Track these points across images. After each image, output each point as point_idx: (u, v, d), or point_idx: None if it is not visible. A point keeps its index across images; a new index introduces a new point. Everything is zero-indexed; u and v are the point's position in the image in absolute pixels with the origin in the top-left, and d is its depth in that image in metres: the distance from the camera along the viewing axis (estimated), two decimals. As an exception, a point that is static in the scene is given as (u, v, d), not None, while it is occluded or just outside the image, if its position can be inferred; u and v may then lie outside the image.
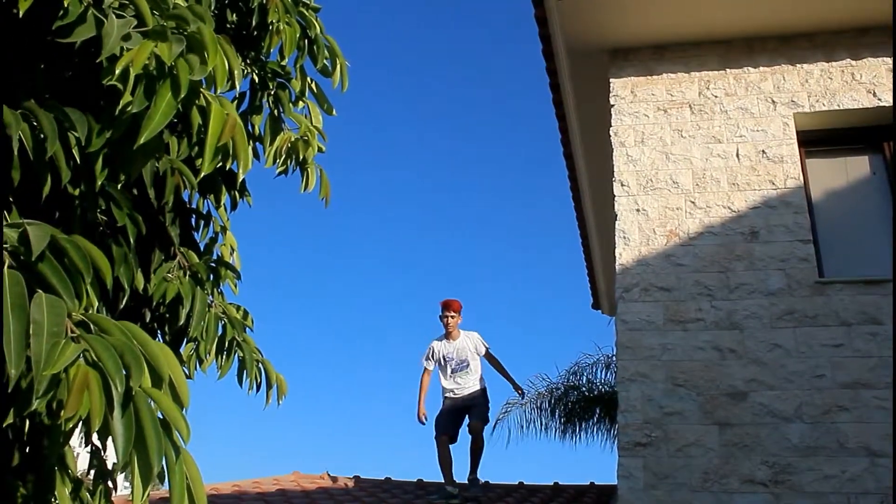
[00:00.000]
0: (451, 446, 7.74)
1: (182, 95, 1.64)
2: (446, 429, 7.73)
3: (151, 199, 2.62)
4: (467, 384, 7.80)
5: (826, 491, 5.12)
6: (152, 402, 1.40)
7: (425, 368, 8.03)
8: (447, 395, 7.86)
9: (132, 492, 1.36)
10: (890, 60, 6.27)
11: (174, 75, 1.64)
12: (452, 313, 7.94)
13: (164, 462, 1.35)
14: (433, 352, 7.99)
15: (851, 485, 5.10)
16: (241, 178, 1.95)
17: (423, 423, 7.90)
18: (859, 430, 5.23)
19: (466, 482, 7.65)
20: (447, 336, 7.95)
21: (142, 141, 1.61)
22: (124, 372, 1.38)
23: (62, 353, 1.35)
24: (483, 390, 7.87)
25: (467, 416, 7.77)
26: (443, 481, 7.67)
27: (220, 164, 1.83)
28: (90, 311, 1.55)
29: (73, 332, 1.43)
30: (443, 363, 7.93)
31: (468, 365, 7.83)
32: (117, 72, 1.62)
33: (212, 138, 1.73)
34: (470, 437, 7.70)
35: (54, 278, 1.48)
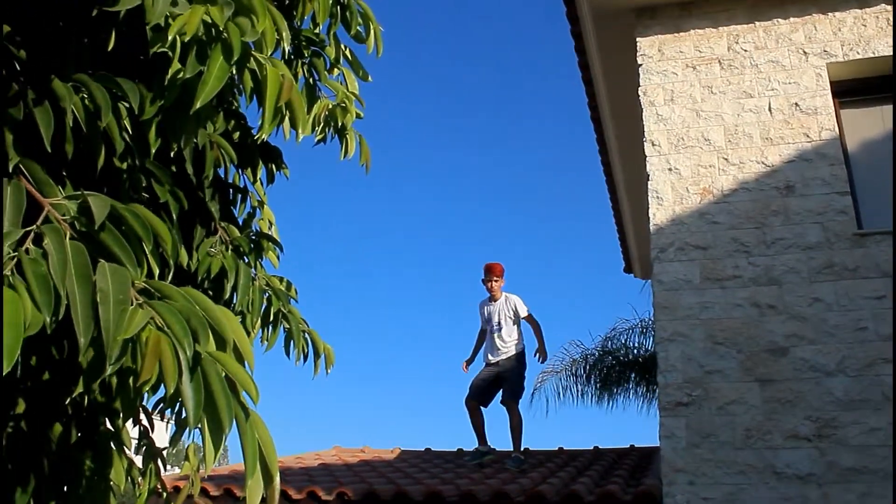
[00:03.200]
0: (484, 409, 8.00)
1: (235, 59, 1.63)
2: (475, 395, 7.97)
3: (190, 174, 2.62)
4: (502, 347, 7.95)
5: (872, 444, 5.08)
6: (219, 365, 1.40)
7: (481, 328, 8.34)
8: (487, 356, 8.09)
9: (204, 454, 1.37)
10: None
11: (225, 39, 1.64)
12: (495, 277, 8.12)
13: (234, 423, 1.36)
14: (482, 312, 8.27)
15: (898, 436, 5.05)
16: (300, 139, 1.94)
17: (465, 372, 8.32)
18: (904, 382, 5.17)
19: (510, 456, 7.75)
20: (491, 297, 8.14)
21: (198, 105, 1.61)
22: (191, 336, 1.39)
23: (131, 319, 1.36)
24: (517, 356, 7.95)
25: (501, 389, 7.94)
26: (477, 444, 8.01)
27: (279, 125, 1.83)
28: (152, 279, 1.56)
29: (137, 299, 1.44)
30: (486, 324, 8.19)
31: (502, 328, 7.98)
32: (170, 38, 1.62)
33: (270, 99, 1.73)
34: (506, 412, 7.87)
35: (116, 247, 1.49)
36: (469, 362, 8.41)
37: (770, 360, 5.44)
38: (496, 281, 8.11)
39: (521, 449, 7.86)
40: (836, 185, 5.78)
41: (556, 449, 8.84)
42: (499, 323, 8.03)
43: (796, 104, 6.10)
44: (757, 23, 6.45)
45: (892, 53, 5.96)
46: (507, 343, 7.96)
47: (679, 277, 5.81)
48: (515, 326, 8.05)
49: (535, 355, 8.08)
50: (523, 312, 8.03)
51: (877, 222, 5.76)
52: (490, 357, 8.05)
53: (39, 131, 1.69)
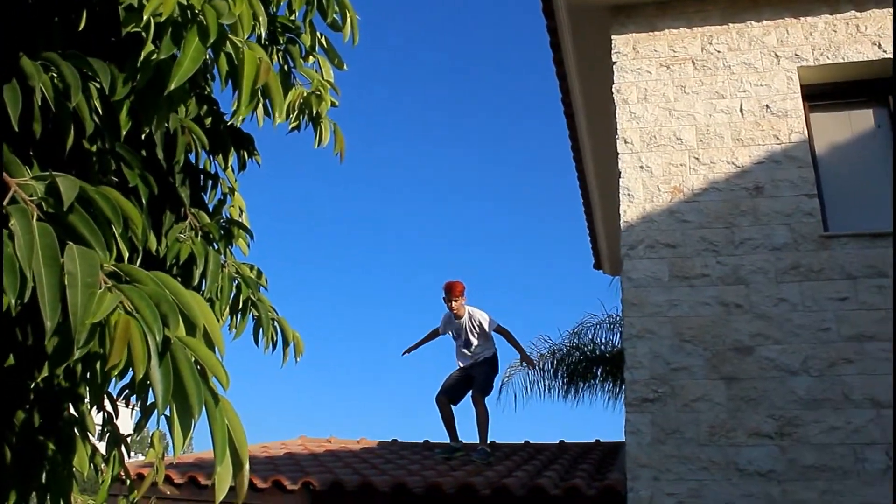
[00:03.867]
0: (454, 407, 8.17)
1: (211, 41, 1.61)
2: (446, 392, 8.14)
3: (161, 159, 2.59)
4: (473, 356, 8.14)
5: (832, 442, 5.17)
6: (188, 351, 1.39)
7: (437, 328, 8.49)
8: (458, 363, 8.28)
9: (172, 440, 1.36)
10: None
11: (201, 21, 1.61)
12: (455, 296, 8.20)
13: (203, 409, 1.35)
14: (446, 324, 8.39)
15: (857, 436, 5.15)
16: (277, 123, 1.92)
17: (402, 355, 8.54)
18: (865, 382, 5.26)
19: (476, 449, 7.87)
20: (455, 315, 8.24)
21: (172, 87, 1.59)
22: (161, 321, 1.37)
23: (100, 303, 1.34)
24: (489, 360, 8.14)
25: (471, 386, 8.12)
26: (448, 440, 8.14)
27: (253, 110, 1.80)
28: (121, 263, 1.53)
29: (106, 282, 1.41)
30: (453, 338, 8.34)
31: (471, 343, 8.15)
32: (145, 18, 1.59)
33: (247, 81, 1.70)
34: (473, 407, 8.01)
35: (85, 229, 1.46)
36: (410, 350, 8.59)
37: (735, 359, 5.50)
38: (456, 300, 8.19)
39: (488, 442, 7.93)
40: (804, 188, 5.85)
41: (522, 442, 8.88)
42: (466, 339, 8.20)
43: (767, 106, 6.17)
44: (730, 24, 6.51)
45: (892, 56, 6.03)
46: (478, 352, 8.16)
47: (648, 275, 5.85)
48: (483, 338, 8.20)
49: (521, 365, 8.32)
50: (489, 327, 8.16)
51: (843, 225, 5.85)
52: (461, 364, 8.26)
53: (6, 110, 1.65)
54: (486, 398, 8.06)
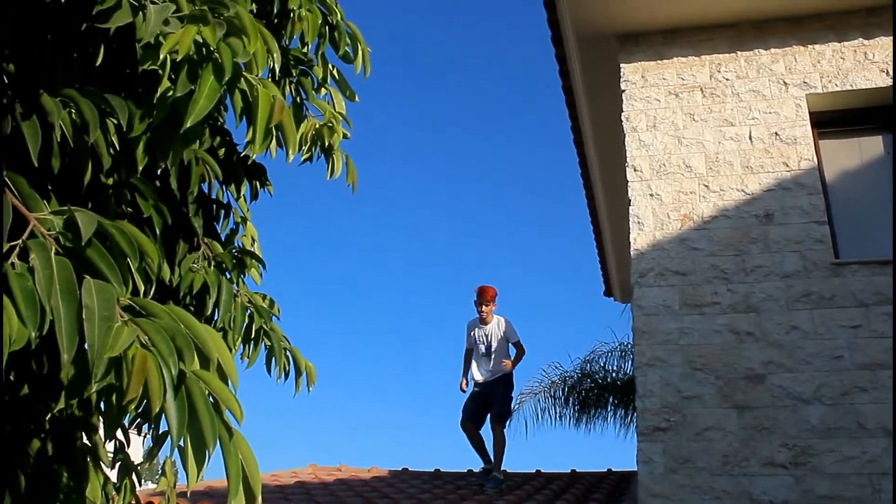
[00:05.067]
0: (478, 430, 7.98)
1: (226, 79, 1.64)
2: (470, 415, 7.95)
3: (174, 190, 2.62)
4: (493, 369, 7.94)
5: (847, 472, 5.12)
6: (203, 384, 1.40)
7: (466, 348, 8.29)
8: (475, 377, 8.04)
9: (187, 474, 1.37)
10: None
11: (216, 59, 1.64)
12: (487, 301, 8.05)
13: (217, 443, 1.36)
14: (470, 333, 8.20)
15: (872, 465, 5.10)
16: (291, 159, 1.95)
17: (464, 392, 8.20)
18: (878, 411, 5.22)
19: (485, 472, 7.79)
20: (482, 321, 8.09)
21: (188, 125, 1.61)
22: (176, 355, 1.38)
23: (117, 337, 1.36)
24: (505, 377, 7.94)
25: (489, 411, 7.95)
26: (483, 464, 8.01)
27: (268, 147, 1.83)
28: (137, 297, 1.55)
29: (122, 316, 1.43)
30: (475, 346, 8.12)
31: (493, 351, 7.96)
32: (161, 56, 1.62)
33: (261, 119, 1.73)
34: (491, 431, 7.85)
35: (102, 263, 1.48)
36: (465, 382, 8.32)
37: (747, 387, 5.48)
38: (488, 305, 8.05)
39: (501, 469, 7.84)
40: (815, 215, 5.85)
41: (534, 471, 8.83)
42: (489, 346, 8.03)
43: (776, 133, 6.19)
44: (738, 52, 6.55)
45: (892, 83, 6.05)
46: (498, 365, 7.95)
47: (659, 303, 5.85)
48: (504, 350, 8.03)
49: (500, 364, 8.07)
50: (513, 339, 8.03)
51: (853, 252, 5.84)
52: (478, 377, 8.04)
53: (26, 145, 1.68)
54: (506, 424, 7.98)
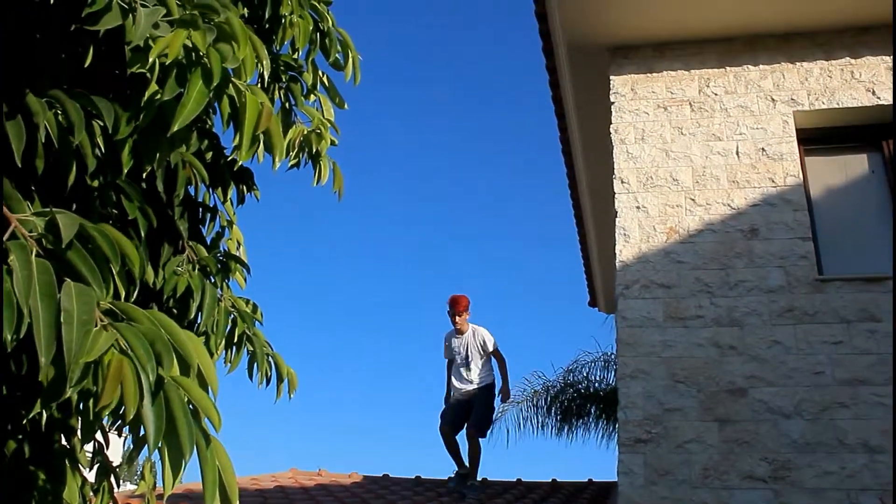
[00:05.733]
0: (455, 435, 7.90)
1: (214, 84, 1.64)
2: (448, 421, 7.85)
3: (161, 192, 2.61)
4: (472, 379, 7.84)
5: (825, 487, 5.15)
6: (182, 391, 1.39)
7: (446, 360, 8.23)
8: (453, 388, 7.96)
9: (163, 481, 1.36)
10: (889, 59, 6.30)
11: (205, 64, 1.64)
12: (460, 310, 7.94)
13: (195, 450, 1.35)
14: (447, 344, 8.12)
15: (851, 481, 5.13)
16: (277, 166, 1.94)
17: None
18: (858, 427, 5.26)
19: (466, 484, 7.74)
20: (457, 331, 8.00)
21: (175, 129, 1.61)
22: (155, 360, 1.38)
23: (95, 342, 1.35)
24: (486, 388, 7.86)
25: (468, 419, 7.85)
26: (456, 468, 7.94)
27: (255, 152, 1.83)
28: (118, 300, 1.54)
29: (101, 320, 1.42)
30: (453, 358, 8.04)
31: (470, 361, 7.85)
32: (150, 60, 1.61)
33: (248, 127, 1.73)
34: (467, 441, 7.77)
35: (83, 266, 1.48)
36: (449, 396, 8.22)
37: (729, 401, 5.50)
38: (461, 315, 7.95)
39: (479, 479, 7.85)
40: (799, 231, 5.89)
41: (515, 480, 8.82)
42: (466, 357, 7.91)
43: (763, 149, 6.23)
44: (728, 68, 6.60)
45: (892, 97, 6.10)
46: (476, 376, 7.86)
47: (643, 315, 5.87)
48: (484, 360, 7.94)
49: (497, 394, 7.98)
50: (490, 347, 7.93)
51: (837, 268, 5.89)
52: (458, 387, 7.94)
53: (10, 145, 1.67)
54: (484, 435, 7.89)
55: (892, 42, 6.27)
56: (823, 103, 6.30)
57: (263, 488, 7.86)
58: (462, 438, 7.93)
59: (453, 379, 8.00)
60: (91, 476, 2.91)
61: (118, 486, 3.14)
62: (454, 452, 7.90)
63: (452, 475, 8.02)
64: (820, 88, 6.35)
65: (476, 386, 7.85)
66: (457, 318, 7.95)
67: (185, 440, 1.34)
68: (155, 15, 1.68)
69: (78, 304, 1.38)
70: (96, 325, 1.40)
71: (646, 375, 5.68)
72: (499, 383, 8.04)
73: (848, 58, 6.39)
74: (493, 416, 8.10)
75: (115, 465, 3.05)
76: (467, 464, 7.90)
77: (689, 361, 5.66)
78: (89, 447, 2.94)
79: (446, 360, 8.25)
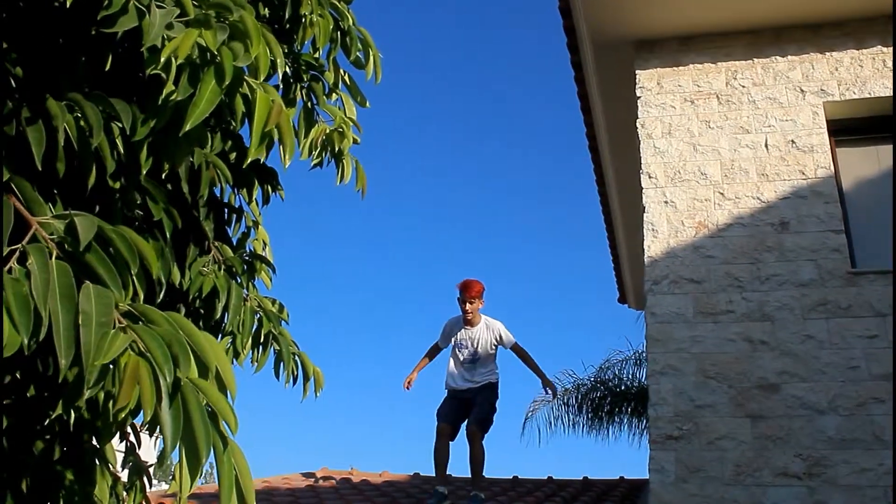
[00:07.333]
0: (451, 442, 6.76)
1: (227, 83, 1.64)
2: (447, 417, 6.75)
3: (185, 193, 2.62)
4: (477, 378, 6.82)
5: (862, 484, 5.06)
6: (199, 393, 1.39)
7: (437, 343, 7.17)
8: (452, 385, 6.91)
9: (179, 483, 1.36)
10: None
11: (218, 63, 1.64)
12: (472, 297, 6.80)
13: (211, 453, 1.35)
14: (448, 332, 7.04)
15: (888, 478, 5.03)
16: (287, 163, 1.94)
17: (407, 390, 7.13)
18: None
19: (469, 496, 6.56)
20: (466, 321, 6.89)
21: (187, 128, 1.61)
22: (172, 362, 1.38)
23: (112, 344, 1.36)
24: (489, 386, 6.84)
25: (468, 416, 6.76)
26: (437, 485, 6.67)
27: (268, 149, 1.83)
28: (136, 302, 1.55)
29: (120, 322, 1.43)
30: (456, 349, 6.95)
31: (479, 358, 6.84)
32: (162, 60, 1.62)
33: (258, 124, 1.73)
34: (467, 442, 6.69)
35: (101, 269, 1.48)
36: (411, 381, 7.18)
37: (761, 397, 5.42)
38: (473, 302, 6.79)
39: (479, 485, 6.70)
40: (831, 224, 5.79)
41: (546, 478, 8.78)
42: (475, 352, 6.84)
43: (793, 141, 6.14)
44: (755, 59, 6.50)
45: (892, 93, 6.00)
46: (483, 374, 6.84)
47: (672, 310, 5.81)
48: (493, 357, 6.90)
49: (544, 390, 6.99)
50: (510, 343, 6.89)
51: (870, 262, 5.78)
52: (458, 386, 6.87)
53: (31, 149, 1.69)
54: (485, 434, 6.74)
55: (892, 41, 6.13)
56: (854, 93, 6.19)
57: (295, 487, 7.91)
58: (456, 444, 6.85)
59: (452, 374, 6.92)
60: (124, 476, 2.95)
61: (150, 486, 3.17)
62: (442, 461, 6.68)
63: (431, 496, 6.62)
64: (851, 78, 6.24)
65: (478, 385, 6.80)
66: (468, 305, 6.79)
67: (202, 443, 1.33)
68: (169, 15, 1.68)
69: (96, 306, 1.39)
70: (114, 327, 1.40)
71: (676, 372, 5.62)
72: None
73: (880, 46, 6.27)
74: (495, 416, 6.89)
75: (147, 464, 3.08)
76: (470, 473, 6.76)
77: (720, 357, 5.59)
78: (122, 447, 2.98)
79: (435, 344, 7.19)
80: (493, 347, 6.86)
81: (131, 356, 1.36)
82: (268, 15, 2.81)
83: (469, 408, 6.75)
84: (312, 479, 8.60)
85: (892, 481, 5.00)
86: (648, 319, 5.89)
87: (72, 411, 2.21)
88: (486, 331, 6.87)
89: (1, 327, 1.36)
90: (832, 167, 6.02)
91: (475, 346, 6.84)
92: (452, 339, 6.98)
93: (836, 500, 5.04)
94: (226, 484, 1.36)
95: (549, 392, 7.10)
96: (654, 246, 6.05)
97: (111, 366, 1.37)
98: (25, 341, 1.35)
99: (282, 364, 3.00)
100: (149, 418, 1.33)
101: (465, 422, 6.72)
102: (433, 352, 7.22)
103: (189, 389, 1.38)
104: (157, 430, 2.43)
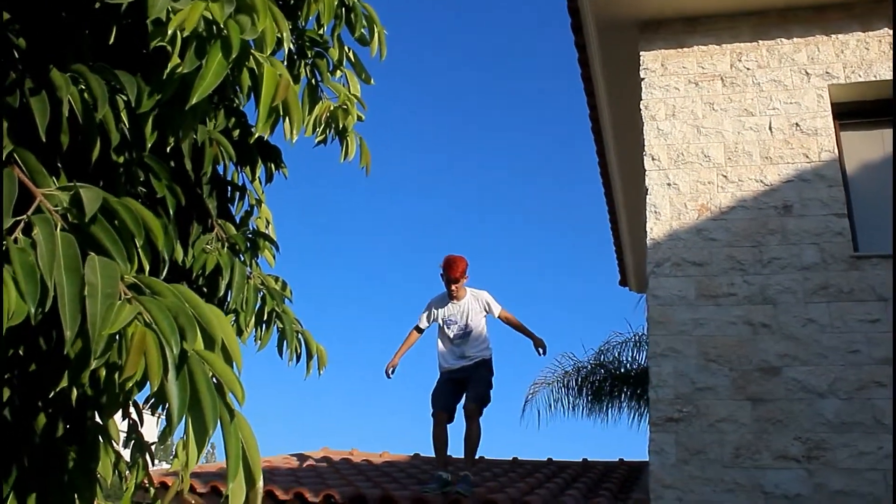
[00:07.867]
0: (448, 425, 6.74)
1: (233, 56, 1.62)
2: (443, 404, 6.71)
3: (189, 170, 2.61)
4: (470, 353, 6.75)
5: (861, 467, 5.07)
6: (206, 365, 1.39)
7: (417, 325, 7.09)
8: (445, 365, 6.82)
9: (186, 455, 1.36)
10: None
11: (224, 36, 1.63)
12: (456, 275, 6.74)
13: (218, 425, 1.35)
14: (432, 312, 6.99)
15: (887, 461, 5.04)
16: (294, 139, 1.93)
17: (389, 377, 7.01)
18: None
19: (458, 476, 6.52)
20: (451, 296, 6.84)
21: (194, 101, 1.60)
22: (178, 334, 1.37)
23: (118, 314, 1.35)
24: (484, 363, 6.77)
25: (465, 394, 6.73)
26: (438, 470, 6.65)
27: (273, 125, 1.82)
28: (142, 274, 1.54)
29: (125, 294, 1.42)
30: (444, 327, 6.87)
31: (471, 330, 6.76)
32: (169, 33, 1.60)
33: (265, 98, 1.72)
34: (465, 420, 6.67)
35: (107, 240, 1.48)
36: (393, 367, 7.03)
37: (762, 380, 5.43)
38: (458, 281, 6.74)
39: (473, 465, 6.71)
40: (834, 207, 5.78)
41: (546, 460, 8.82)
42: (466, 325, 6.76)
43: (797, 124, 6.11)
44: (760, 41, 6.46)
45: (892, 77, 5.97)
46: (476, 349, 6.76)
47: (674, 293, 5.80)
48: (484, 328, 6.84)
49: (536, 350, 6.94)
50: (498, 310, 6.88)
51: (873, 246, 5.76)
52: (451, 365, 6.77)
53: (35, 120, 1.67)
54: (482, 412, 6.70)
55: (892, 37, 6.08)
56: (860, 76, 6.15)
57: (295, 467, 7.94)
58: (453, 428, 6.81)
59: (444, 354, 6.84)
60: (126, 454, 2.95)
61: (152, 464, 3.18)
62: (442, 446, 6.66)
63: (431, 481, 6.57)
64: (856, 61, 6.20)
65: (473, 361, 6.72)
66: (453, 285, 6.75)
67: (209, 414, 1.33)
68: (175, -13, 1.67)
69: (102, 278, 1.38)
70: (120, 299, 1.40)
71: (677, 354, 5.62)
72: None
73: (886, 29, 6.22)
74: (492, 392, 6.82)
75: (150, 443, 3.08)
76: (464, 452, 6.71)
77: (721, 340, 5.60)
78: (124, 426, 2.98)
79: (416, 326, 7.10)
80: (484, 315, 6.86)
81: (138, 327, 1.36)
82: (272, -10, 2.79)
83: (464, 387, 6.71)
84: (313, 460, 8.64)
85: (891, 465, 5.01)
86: (650, 302, 5.89)
87: (74, 388, 2.21)
88: (474, 301, 6.86)
89: (1, 299, 1.36)
90: (836, 150, 5.99)
91: (465, 318, 6.80)
92: (440, 318, 6.92)
93: (834, 482, 5.06)
94: (232, 455, 1.35)
95: (541, 351, 7.05)
96: (656, 228, 6.04)
97: (117, 337, 1.37)
98: (32, 310, 1.34)
99: (285, 342, 3.00)
100: (155, 389, 1.33)
101: (463, 400, 6.71)
102: (413, 335, 7.13)
103: (195, 361, 1.38)
104: (160, 407, 2.43)
